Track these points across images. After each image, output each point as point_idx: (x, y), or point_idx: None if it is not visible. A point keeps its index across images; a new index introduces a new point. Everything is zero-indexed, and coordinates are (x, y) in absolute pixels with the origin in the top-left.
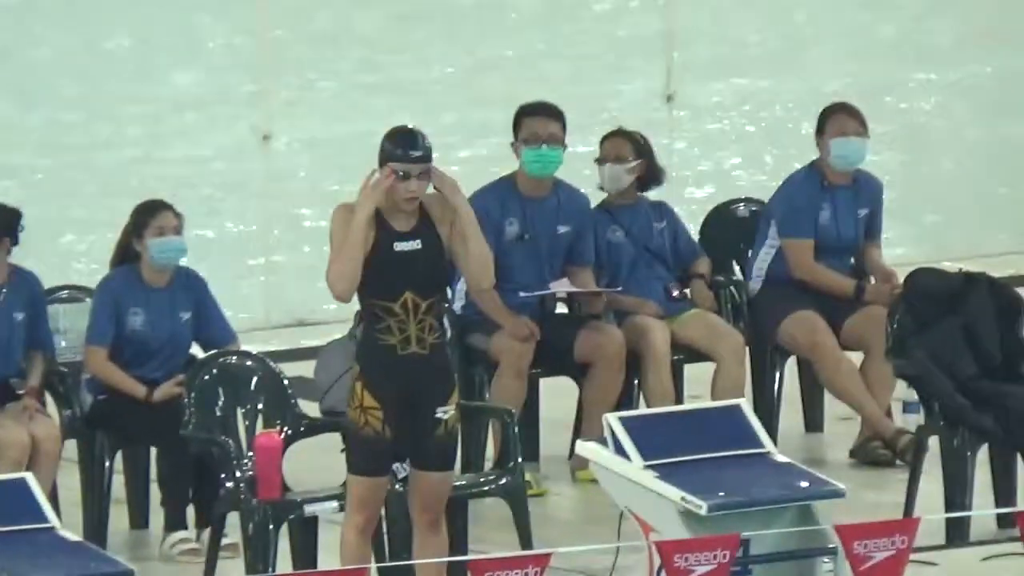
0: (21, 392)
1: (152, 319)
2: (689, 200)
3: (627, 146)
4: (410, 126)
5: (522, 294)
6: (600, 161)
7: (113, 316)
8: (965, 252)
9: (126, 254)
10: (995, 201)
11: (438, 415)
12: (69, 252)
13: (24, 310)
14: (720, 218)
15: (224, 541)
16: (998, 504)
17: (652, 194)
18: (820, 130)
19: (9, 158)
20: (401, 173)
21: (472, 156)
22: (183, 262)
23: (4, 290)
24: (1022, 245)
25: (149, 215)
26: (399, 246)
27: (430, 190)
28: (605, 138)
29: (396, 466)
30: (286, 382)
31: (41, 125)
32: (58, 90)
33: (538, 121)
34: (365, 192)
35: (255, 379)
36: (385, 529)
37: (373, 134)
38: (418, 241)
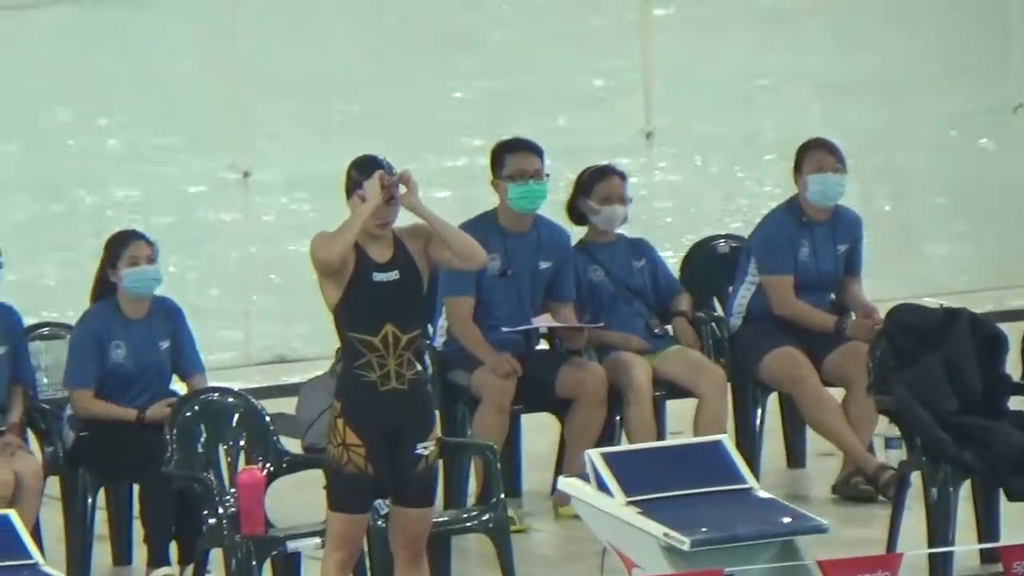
0: (2, 429)
1: (134, 351)
2: (669, 236)
3: (623, 184)
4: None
5: (504, 329)
6: (604, 201)
7: (96, 355)
8: (946, 287)
9: (104, 287)
10: (978, 237)
11: (418, 451)
12: (47, 289)
13: (5, 344)
14: (700, 255)
15: None
16: (981, 539)
17: (630, 231)
18: (798, 167)
19: None
20: (389, 178)
21: (450, 192)
22: (159, 291)
23: None
24: (1003, 281)
25: (122, 246)
26: (377, 276)
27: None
28: (600, 177)
29: (378, 502)
30: (268, 419)
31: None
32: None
33: (523, 157)
34: (371, 192)
35: (237, 416)
36: (368, 565)
37: None
38: (396, 272)
